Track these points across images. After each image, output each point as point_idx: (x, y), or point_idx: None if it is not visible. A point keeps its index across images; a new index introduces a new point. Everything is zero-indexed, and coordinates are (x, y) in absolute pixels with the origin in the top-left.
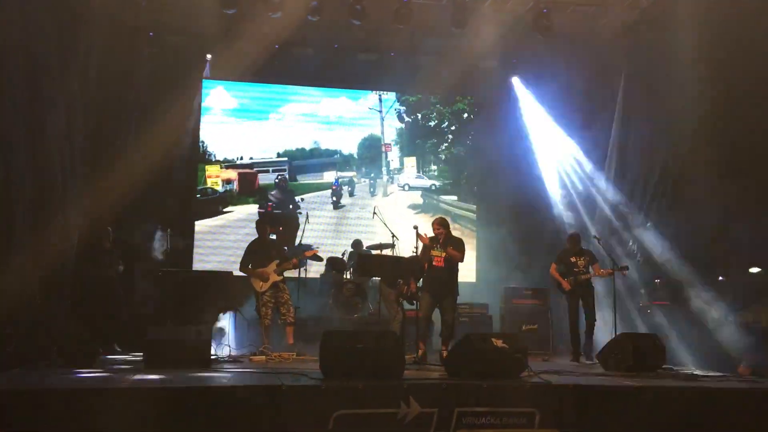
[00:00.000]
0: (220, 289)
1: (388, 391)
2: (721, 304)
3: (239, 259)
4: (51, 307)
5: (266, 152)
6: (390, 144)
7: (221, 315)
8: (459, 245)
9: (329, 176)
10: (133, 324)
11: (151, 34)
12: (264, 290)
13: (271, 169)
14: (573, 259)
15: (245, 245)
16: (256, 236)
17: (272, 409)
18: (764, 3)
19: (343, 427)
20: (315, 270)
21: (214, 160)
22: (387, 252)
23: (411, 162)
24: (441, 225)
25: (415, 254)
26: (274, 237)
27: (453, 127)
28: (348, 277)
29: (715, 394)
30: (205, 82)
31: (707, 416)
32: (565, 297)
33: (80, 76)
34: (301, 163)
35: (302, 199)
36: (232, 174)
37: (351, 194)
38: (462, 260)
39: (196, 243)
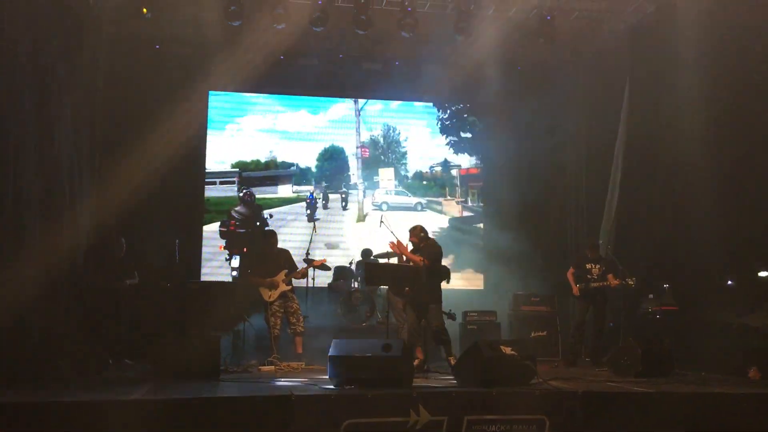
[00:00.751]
0: (228, 300)
1: (398, 399)
2: (730, 308)
3: None
4: (60, 317)
5: (223, 164)
6: (367, 148)
7: (231, 325)
8: (425, 251)
9: (284, 190)
10: (142, 335)
11: (157, 46)
12: (273, 300)
13: (218, 180)
14: (588, 266)
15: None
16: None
17: (283, 419)
18: None
19: None
20: (322, 280)
21: None
22: (394, 261)
23: (388, 174)
24: (412, 233)
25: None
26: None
27: (453, 137)
28: (356, 286)
29: (726, 399)
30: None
31: (718, 421)
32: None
33: (87, 85)
34: (253, 174)
35: (270, 216)
36: None
37: (325, 207)
38: (423, 263)
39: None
